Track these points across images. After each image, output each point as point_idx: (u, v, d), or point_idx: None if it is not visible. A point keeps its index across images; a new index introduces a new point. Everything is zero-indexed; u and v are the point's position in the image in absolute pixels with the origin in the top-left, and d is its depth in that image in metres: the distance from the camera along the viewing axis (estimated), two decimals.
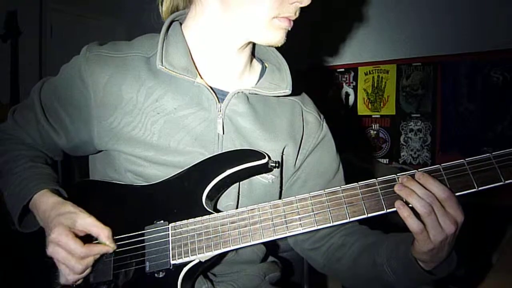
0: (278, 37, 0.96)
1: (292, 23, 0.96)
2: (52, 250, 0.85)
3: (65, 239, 0.83)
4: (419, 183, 0.83)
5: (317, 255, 1.12)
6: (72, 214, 0.88)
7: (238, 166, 0.93)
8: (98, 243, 0.88)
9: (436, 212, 0.80)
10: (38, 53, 3.58)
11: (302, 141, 1.09)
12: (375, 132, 3.04)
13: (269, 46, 1.02)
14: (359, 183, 0.88)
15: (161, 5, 1.07)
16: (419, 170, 0.85)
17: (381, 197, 0.85)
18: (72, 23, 3.70)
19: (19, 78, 3.15)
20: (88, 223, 0.87)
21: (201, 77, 0.98)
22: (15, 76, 3.15)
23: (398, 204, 0.83)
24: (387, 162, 2.97)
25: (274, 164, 0.96)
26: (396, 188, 0.84)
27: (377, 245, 0.98)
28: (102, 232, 0.88)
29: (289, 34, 0.98)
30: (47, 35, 3.63)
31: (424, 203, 0.80)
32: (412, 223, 0.81)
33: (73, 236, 0.85)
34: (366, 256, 0.99)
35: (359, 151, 2.86)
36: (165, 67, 0.94)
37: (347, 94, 3.16)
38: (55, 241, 0.84)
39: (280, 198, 1.06)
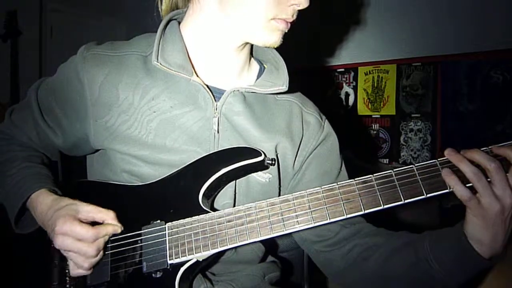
0: (274, 38, 0.96)
1: (289, 25, 0.95)
2: (60, 241, 0.84)
3: (71, 227, 0.83)
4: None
5: (335, 256, 1.06)
6: (72, 205, 0.88)
7: (234, 164, 0.92)
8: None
9: (495, 178, 0.78)
10: (38, 53, 3.58)
11: (302, 142, 1.08)
12: (375, 132, 3.03)
13: (265, 47, 1.01)
14: (355, 179, 0.87)
15: (160, 3, 1.07)
16: (415, 165, 0.85)
17: (378, 193, 0.85)
18: (72, 23, 3.70)
19: (19, 78, 3.16)
20: (90, 210, 0.88)
21: (198, 76, 0.98)
22: (15, 76, 3.15)
23: (444, 172, 0.81)
24: (387, 162, 2.97)
25: (270, 162, 0.95)
26: (446, 152, 0.82)
27: (416, 243, 0.92)
28: (106, 215, 0.88)
29: (289, 34, 0.98)
30: (47, 35, 3.64)
31: (474, 168, 0.79)
32: (459, 189, 0.79)
33: (79, 222, 0.85)
34: (403, 255, 0.94)
35: (359, 151, 2.85)
36: (160, 64, 0.94)
37: (347, 94, 3.16)
38: (61, 231, 0.83)
39: None
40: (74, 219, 0.85)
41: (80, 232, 0.83)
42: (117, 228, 0.89)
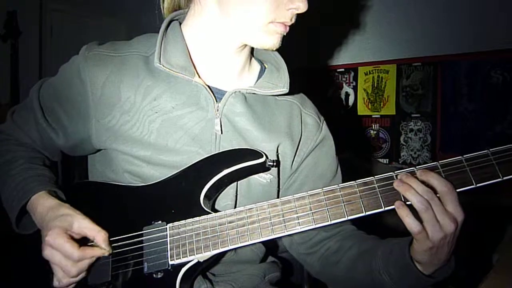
0: (273, 41, 0.96)
1: (288, 28, 0.96)
2: (47, 253, 0.84)
3: (60, 242, 0.83)
4: (418, 179, 0.82)
5: (313, 260, 1.11)
6: (68, 216, 0.88)
7: (236, 166, 0.93)
8: (94, 245, 0.88)
9: (434, 208, 0.80)
10: (38, 53, 3.58)
11: (300, 143, 1.09)
12: (375, 132, 3.03)
13: (264, 49, 1.02)
14: (357, 181, 0.87)
15: (162, 2, 1.07)
16: (416, 167, 0.85)
17: (379, 195, 0.85)
18: (72, 23, 3.70)
19: (19, 78, 3.16)
20: (84, 225, 0.87)
21: (199, 76, 0.98)
22: (15, 76, 3.15)
23: (397, 204, 0.82)
24: (387, 162, 2.96)
25: (272, 163, 0.96)
26: (395, 184, 0.84)
27: (373, 251, 0.97)
28: (98, 235, 0.87)
29: (289, 34, 0.98)
30: (47, 35, 3.63)
31: (421, 198, 0.80)
32: (410, 222, 0.80)
33: (69, 239, 0.84)
34: (362, 262, 0.98)
35: (359, 151, 2.85)
36: (163, 66, 0.94)
37: (347, 94, 3.16)
38: (51, 243, 0.84)
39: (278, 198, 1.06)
40: (65, 234, 0.85)
41: (68, 251, 0.83)
42: (105, 252, 0.88)
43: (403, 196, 0.83)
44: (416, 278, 0.87)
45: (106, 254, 0.88)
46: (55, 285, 0.87)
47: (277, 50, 1.07)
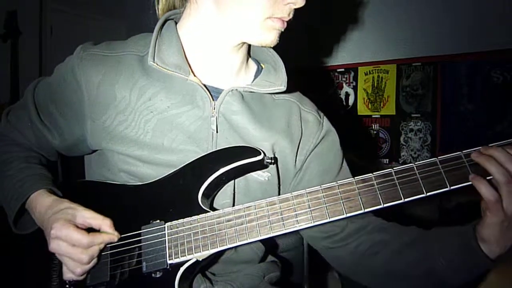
0: (271, 37, 0.96)
1: (285, 24, 0.95)
2: (54, 246, 0.84)
3: (66, 232, 0.83)
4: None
5: (342, 253, 1.07)
6: (70, 209, 0.88)
7: (234, 163, 0.92)
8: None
9: None
10: (38, 53, 3.58)
11: (301, 140, 1.08)
12: (375, 132, 3.03)
13: (262, 46, 1.01)
14: (355, 178, 0.87)
15: (157, 3, 1.07)
16: (415, 163, 0.85)
17: (378, 192, 0.85)
18: (72, 23, 3.70)
19: (19, 78, 3.15)
20: (87, 216, 0.87)
21: (195, 75, 0.98)
22: (15, 76, 3.14)
23: (471, 176, 0.81)
24: (387, 162, 2.96)
25: (269, 161, 0.96)
26: (473, 156, 0.82)
27: (425, 239, 0.94)
28: (103, 222, 0.87)
29: (289, 34, 0.98)
30: (47, 35, 3.63)
31: (503, 170, 0.78)
32: (487, 191, 0.79)
33: (75, 227, 0.84)
34: (412, 250, 0.95)
35: (359, 151, 2.85)
36: (157, 64, 0.94)
37: (347, 94, 3.16)
38: (57, 235, 0.83)
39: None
40: (71, 224, 0.85)
41: (75, 238, 0.83)
42: (114, 237, 0.88)
43: (482, 168, 0.81)
44: (480, 263, 0.84)
45: (115, 239, 0.88)
46: (67, 277, 0.87)
47: (278, 49, 1.07)
